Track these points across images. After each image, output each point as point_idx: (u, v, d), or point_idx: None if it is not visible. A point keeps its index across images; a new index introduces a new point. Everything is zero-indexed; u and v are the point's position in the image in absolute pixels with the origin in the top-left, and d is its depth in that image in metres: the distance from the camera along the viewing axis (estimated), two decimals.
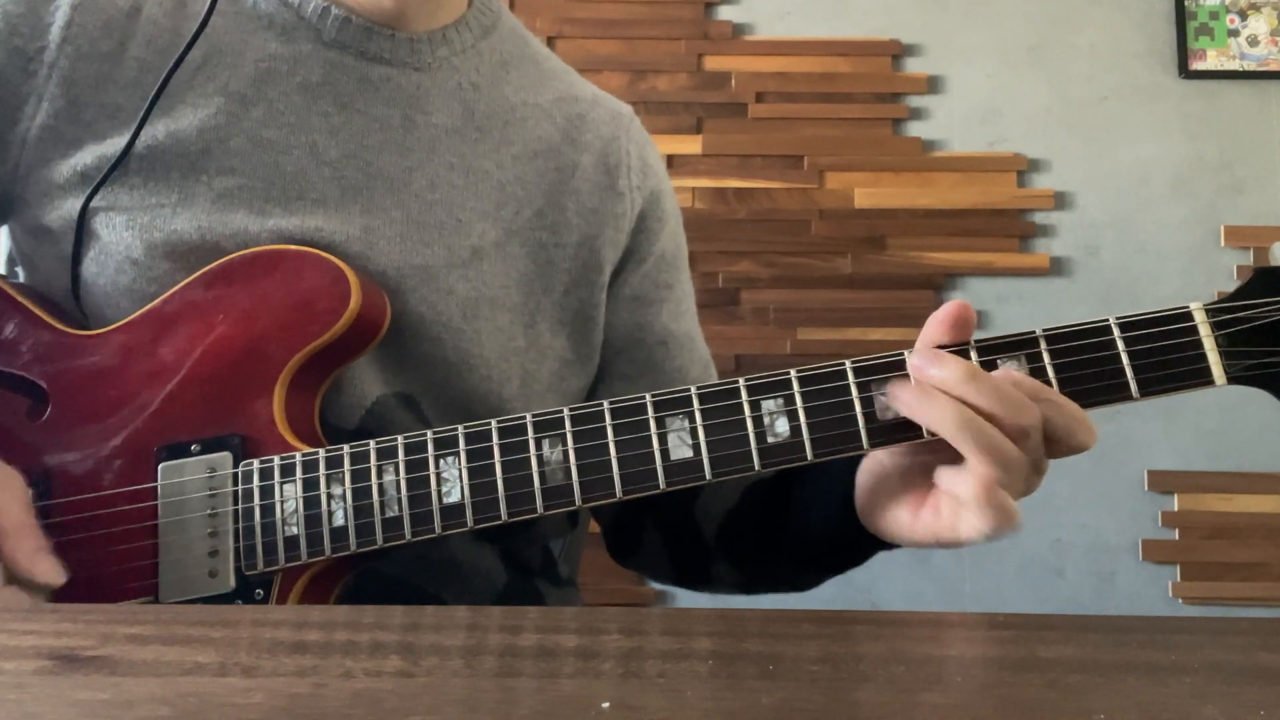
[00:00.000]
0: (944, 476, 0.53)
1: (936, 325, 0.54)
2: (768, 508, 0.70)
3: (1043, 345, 0.53)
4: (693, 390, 0.56)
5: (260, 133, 0.67)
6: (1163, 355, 0.52)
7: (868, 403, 0.54)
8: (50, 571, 0.56)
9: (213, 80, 0.68)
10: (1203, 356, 0.52)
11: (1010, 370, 0.52)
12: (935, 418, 0.51)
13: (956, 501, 0.53)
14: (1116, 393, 0.52)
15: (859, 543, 0.61)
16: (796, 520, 0.67)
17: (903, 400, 0.52)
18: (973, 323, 0.54)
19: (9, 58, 0.66)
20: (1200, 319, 0.52)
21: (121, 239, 0.65)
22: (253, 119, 0.67)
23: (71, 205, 0.66)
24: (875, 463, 0.58)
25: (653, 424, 0.56)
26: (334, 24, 0.70)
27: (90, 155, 0.66)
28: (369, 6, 0.70)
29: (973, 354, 0.53)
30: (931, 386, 0.51)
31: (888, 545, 0.61)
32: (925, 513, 0.55)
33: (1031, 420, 0.50)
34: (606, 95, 0.83)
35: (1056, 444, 0.52)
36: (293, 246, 0.64)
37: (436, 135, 0.71)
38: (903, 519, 0.57)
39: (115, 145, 0.65)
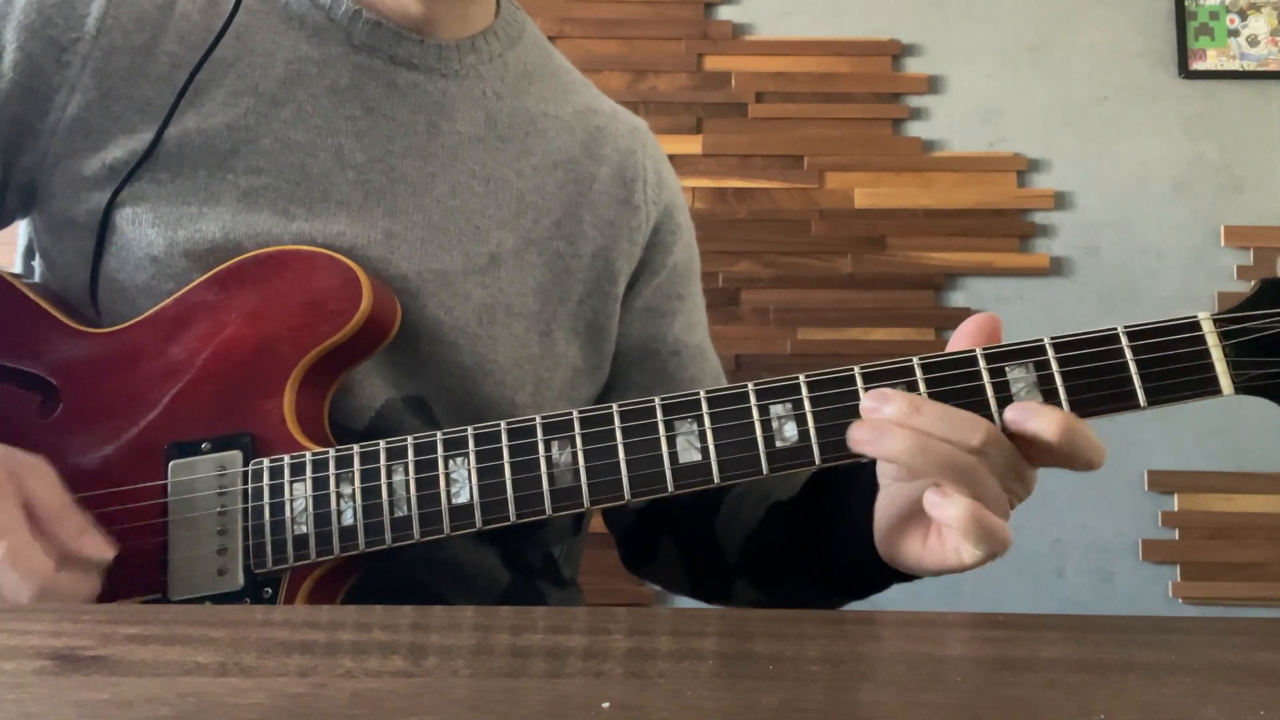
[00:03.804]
0: (930, 503, 0.52)
1: (966, 339, 0.54)
2: (791, 532, 0.69)
3: (1050, 354, 0.53)
4: (701, 394, 0.56)
5: (288, 134, 0.67)
6: (1170, 365, 0.52)
7: None
8: (97, 546, 0.56)
9: (243, 79, 0.68)
10: (1210, 366, 0.52)
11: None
12: (890, 449, 0.51)
13: (948, 527, 0.53)
14: (1123, 401, 0.52)
15: (878, 573, 0.61)
16: (819, 547, 0.66)
17: (859, 440, 0.52)
18: (998, 334, 0.54)
19: (43, 48, 0.66)
20: (1208, 329, 0.52)
21: (145, 235, 0.65)
22: (281, 120, 0.68)
23: (98, 199, 0.66)
24: (889, 495, 0.58)
25: (661, 427, 0.56)
26: (364, 27, 0.70)
27: (119, 149, 0.66)
28: (398, 12, 0.70)
29: (980, 362, 0.53)
30: (885, 422, 0.51)
31: (904, 576, 0.60)
32: (932, 541, 0.55)
33: (981, 437, 0.50)
34: (624, 109, 0.84)
35: (1060, 460, 0.52)
36: (305, 247, 0.65)
37: (459, 142, 0.72)
38: (915, 549, 0.57)
39: (144, 139, 0.66)
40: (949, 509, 0.51)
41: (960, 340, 0.55)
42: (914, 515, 0.56)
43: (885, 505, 0.58)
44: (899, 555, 0.58)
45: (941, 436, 0.50)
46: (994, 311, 0.57)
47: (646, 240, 0.79)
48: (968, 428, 0.50)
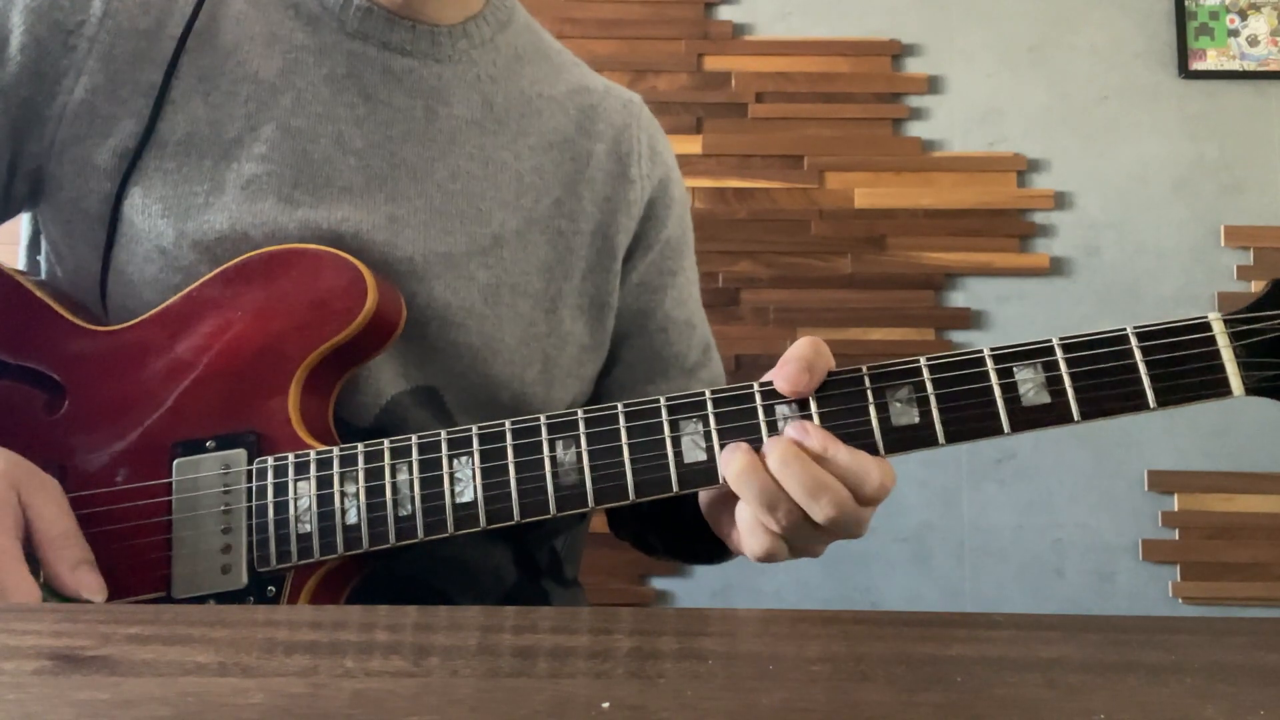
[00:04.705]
0: (737, 513, 0.57)
1: (788, 379, 0.55)
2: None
3: (1059, 354, 0.53)
4: (707, 394, 0.56)
5: (289, 121, 0.68)
6: (1180, 365, 0.52)
7: (882, 409, 0.54)
8: (92, 586, 0.56)
9: (243, 65, 0.68)
10: (1221, 368, 0.51)
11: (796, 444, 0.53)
12: (728, 472, 0.54)
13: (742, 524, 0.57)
14: (1132, 402, 0.52)
15: (712, 541, 0.65)
16: (687, 515, 0.70)
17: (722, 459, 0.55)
18: (818, 364, 0.55)
19: (49, 31, 0.66)
20: (1219, 330, 0.52)
21: (155, 226, 0.65)
22: (282, 107, 0.68)
23: (108, 188, 0.66)
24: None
25: (666, 427, 0.56)
26: (356, 14, 0.71)
27: (126, 135, 0.66)
28: None
29: (989, 362, 0.53)
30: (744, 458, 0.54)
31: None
32: (736, 530, 0.59)
33: (824, 506, 0.52)
34: (616, 85, 0.84)
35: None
36: (310, 245, 0.65)
37: (457, 126, 0.72)
38: (726, 527, 0.61)
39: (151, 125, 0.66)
40: (740, 512, 0.56)
41: (786, 381, 0.55)
42: (728, 501, 0.59)
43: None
44: (718, 529, 0.62)
45: (775, 477, 0.53)
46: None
47: (642, 214, 0.80)
48: (802, 481, 0.52)
